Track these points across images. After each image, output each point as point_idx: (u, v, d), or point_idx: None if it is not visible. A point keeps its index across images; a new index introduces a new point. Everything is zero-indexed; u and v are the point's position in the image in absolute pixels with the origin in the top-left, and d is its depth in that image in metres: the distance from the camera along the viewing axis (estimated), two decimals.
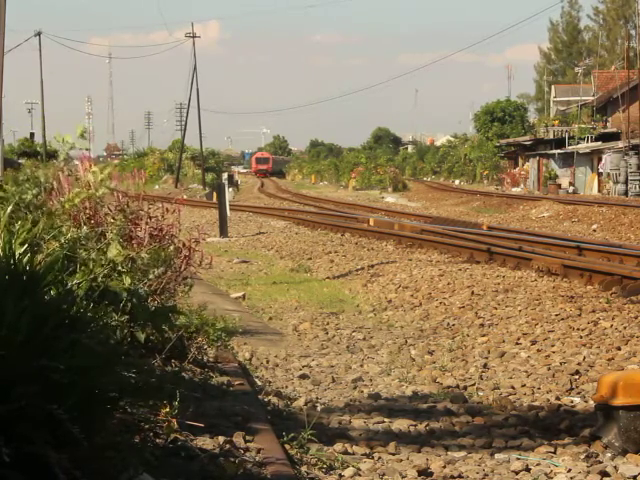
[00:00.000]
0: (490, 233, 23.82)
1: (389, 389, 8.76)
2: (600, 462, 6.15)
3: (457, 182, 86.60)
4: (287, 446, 6.04)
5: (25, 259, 4.31)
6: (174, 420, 5.25)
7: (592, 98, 70.81)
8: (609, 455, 6.26)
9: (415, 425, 7.26)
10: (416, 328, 12.24)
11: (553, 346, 10.26)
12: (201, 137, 74.18)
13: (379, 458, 6.35)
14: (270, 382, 8.87)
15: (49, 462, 3.69)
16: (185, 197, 38.43)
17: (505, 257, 17.72)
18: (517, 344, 10.55)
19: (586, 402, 7.91)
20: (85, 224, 7.60)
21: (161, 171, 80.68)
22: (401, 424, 7.26)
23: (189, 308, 8.72)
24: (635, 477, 5.86)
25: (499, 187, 68.80)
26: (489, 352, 10.24)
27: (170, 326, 7.27)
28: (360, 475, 5.92)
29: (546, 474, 5.96)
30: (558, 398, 8.18)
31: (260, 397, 7.73)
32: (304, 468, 5.81)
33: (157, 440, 5.13)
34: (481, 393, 8.53)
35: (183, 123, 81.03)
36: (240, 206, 40.52)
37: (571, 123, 68.60)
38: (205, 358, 8.21)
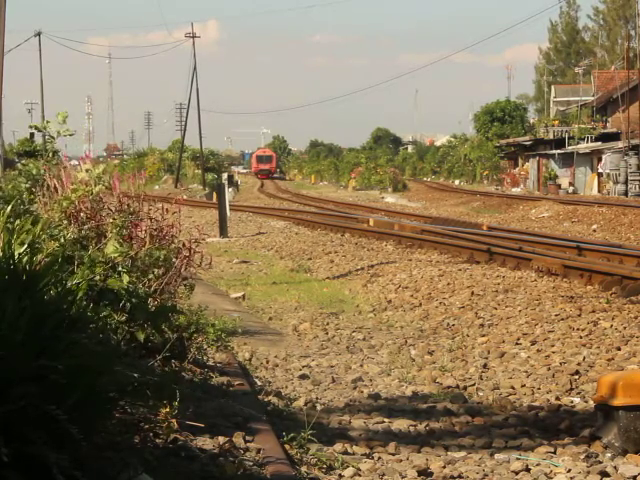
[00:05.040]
0: (490, 233, 23.82)
1: (389, 389, 8.75)
2: (600, 462, 6.14)
3: (457, 182, 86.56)
4: (287, 446, 6.04)
5: (25, 259, 4.31)
6: (174, 420, 5.25)
7: (592, 98, 70.85)
8: (609, 455, 6.26)
9: (415, 425, 7.26)
10: (416, 328, 12.24)
11: (553, 346, 10.26)
12: (201, 137, 74.14)
13: (379, 458, 6.34)
14: (270, 382, 8.86)
15: (48, 462, 3.69)
16: (185, 197, 38.41)
17: (505, 257, 17.72)
18: (517, 344, 10.55)
19: (586, 402, 7.91)
20: (85, 224, 7.59)
21: (161, 171, 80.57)
22: (401, 424, 7.25)
23: (189, 308, 8.72)
24: (635, 477, 5.86)
25: (499, 187, 68.80)
26: (489, 352, 10.24)
27: (170, 326, 7.26)
28: (360, 475, 5.92)
29: (546, 474, 5.96)
30: (558, 398, 8.18)
31: (260, 397, 7.73)
32: (304, 468, 5.81)
33: (157, 440, 5.13)
34: (481, 393, 8.53)
35: (183, 123, 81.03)
36: (240, 206, 40.51)
37: (571, 123, 68.60)
38: (205, 358, 8.21)
